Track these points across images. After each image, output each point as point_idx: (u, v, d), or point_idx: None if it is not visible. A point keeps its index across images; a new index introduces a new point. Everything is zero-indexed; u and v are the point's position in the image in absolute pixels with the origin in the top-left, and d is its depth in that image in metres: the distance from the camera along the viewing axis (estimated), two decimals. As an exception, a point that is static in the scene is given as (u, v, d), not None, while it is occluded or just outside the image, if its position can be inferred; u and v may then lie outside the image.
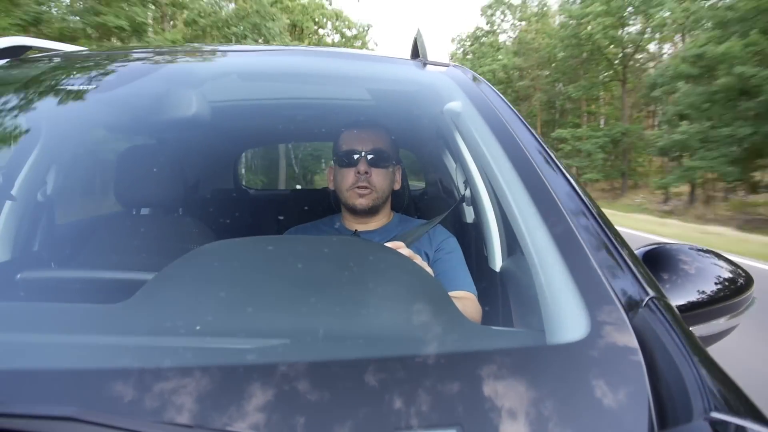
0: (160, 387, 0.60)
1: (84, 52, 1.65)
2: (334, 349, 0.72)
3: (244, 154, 4.36)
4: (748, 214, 20.63)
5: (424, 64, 1.46)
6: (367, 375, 0.64)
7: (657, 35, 32.31)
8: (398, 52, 1.71)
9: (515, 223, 0.92)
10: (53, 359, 0.70)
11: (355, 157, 1.62)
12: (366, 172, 1.61)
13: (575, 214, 0.88)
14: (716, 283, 1.09)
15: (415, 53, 1.53)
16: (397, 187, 1.73)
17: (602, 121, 39.18)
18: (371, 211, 1.66)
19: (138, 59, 1.54)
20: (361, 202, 1.62)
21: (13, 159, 1.66)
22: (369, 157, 1.62)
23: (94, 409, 0.57)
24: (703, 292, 1.06)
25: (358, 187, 1.61)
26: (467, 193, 1.81)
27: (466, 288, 1.50)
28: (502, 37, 52.20)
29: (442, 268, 1.55)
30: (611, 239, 0.86)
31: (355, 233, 1.68)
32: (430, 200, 2.83)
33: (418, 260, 1.29)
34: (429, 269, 1.34)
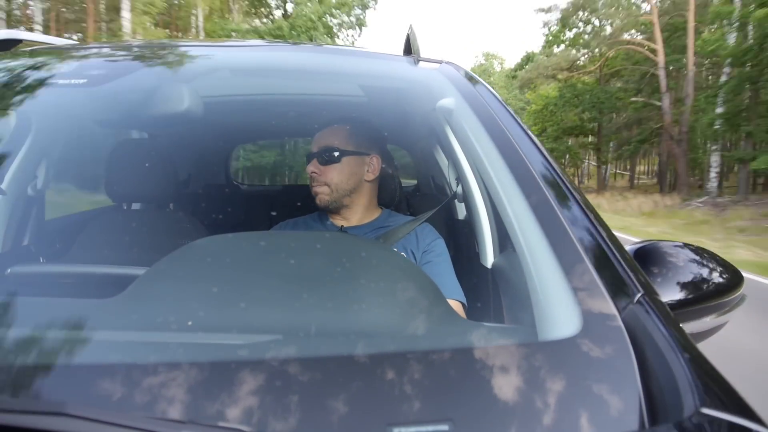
0: (153, 382, 0.60)
1: (76, 46, 1.64)
2: (326, 345, 0.72)
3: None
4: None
5: (417, 61, 1.46)
6: (359, 371, 0.64)
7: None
8: (391, 49, 1.71)
9: (507, 220, 0.93)
10: (44, 354, 0.69)
11: (309, 160, 1.67)
12: (314, 172, 1.64)
13: (567, 210, 0.89)
14: (707, 281, 1.09)
15: (408, 50, 1.53)
16: (370, 177, 1.71)
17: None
18: (333, 208, 1.67)
19: (130, 53, 1.53)
20: (319, 200, 1.65)
21: (3, 153, 1.64)
22: (318, 156, 1.65)
23: (85, 404, 0.57)
24: (694, 290, 1.06)
25: (313, 186, 1.65)
26: (459, 189, 1.81)
27: (454, 296, 1.49)
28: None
29: (430, 272, 1.53)
30: (603, 236, 0.86)
31: (341, 229, 1.68)
32: (421, 197, 2.83)
33: None
34: None
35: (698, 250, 1.17)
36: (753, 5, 18.15)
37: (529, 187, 0.93)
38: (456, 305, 1.46)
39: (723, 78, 21.92)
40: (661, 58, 26.20)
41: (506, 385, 0.62)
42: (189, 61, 1.52)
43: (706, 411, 0.57)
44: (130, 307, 0.79)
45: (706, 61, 23.35)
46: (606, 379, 0.63)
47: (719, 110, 21.42)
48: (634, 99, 31.52)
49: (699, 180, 23.90)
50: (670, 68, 27.23)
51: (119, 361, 0.65)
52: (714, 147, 23.07)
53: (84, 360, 0.67)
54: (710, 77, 22.80)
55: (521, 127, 1.13)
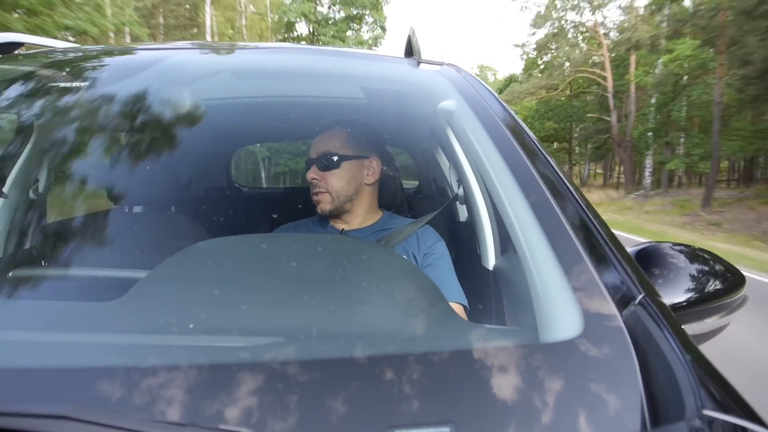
0: (154, 385, 0.60)
1: (77, 49, 1.64)
2: (328, 348, 0.72)
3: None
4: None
5: (418, 63, 1.46)
6: (360, 373, 0.64)
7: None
8: (392, 51, 1.72)
9: (508, 222, 0.92)
10: (46, 357, 0.69)
11: (308, 165, 1.66)
12: (315, 178, 1.63)
13: (568, 212, 0.89)
14: (708, 282, 1.09)
15: (409, 52, 1.52)
16: (370, 180, 1.71)
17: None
18: (335, 213, 1.67)
19: (131, 56, 1.53)
20: (321, 207, 1.64)
21: (4, 156, 1.65)
22: (318, 162, 1.64)
23: (87, 407, 0.57)
24: (696, 291, 1.06)
25: (314, 194, 1.65)
26: (460, 191, 1.80)
27: (456, 299, 1.48)
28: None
29: (432, 275, 1.52)
30: (604, 238, 0.86)
31: (342, 232, 1.68)
32: (423, 199, 2.83)
33: None
34: None
35: (700, 252, 1.17)
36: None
37: (530, 189, 0.93)
38: (457, 308, 1.46)
39: (653, 101, 30.05)
40: (610, 84, 34.79)
41: (508, 388, 0.62)
42: (191, 64, 1.52)
43: (707, 413, 0.57)
44: (131, 310, 0.79)
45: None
46: (608, 381, 0.63)
47: (650, 125, 30.01)
48: (590, 115, 39.98)
49: (654, 178, 32.71)
50: (619, 90, 35.60)
51: (121, 364, 0.65)
52: (647, 153, 30.99)
53: (86, 363, 0.67)
54: (655, 96, 29.94)
55: (523, 129, 1.12)
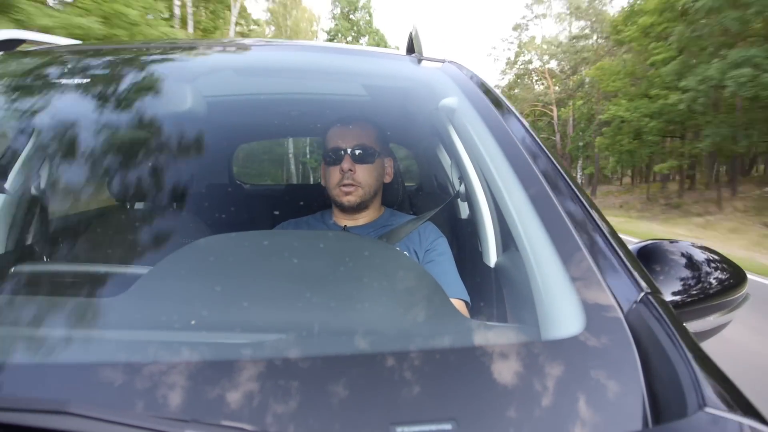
0: (156, 381, 0.60)
1: (79, 46, 1.64)
2: (329, 344, 0.72)
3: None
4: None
5: (420, 60, 1.45)
6: (362, 370, 0.64)
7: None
8: (394, 48, 1.72)
9: (510, 219, 0.92)
10: (47, 353, 0.70)
11: (340, 154, 1.61)
12: (350, 170, 1.60)
13: (570, 209, 0.88)
14: (710, 280, 1.09)
15: (411, 49, 1.52)
16: (387, 180, 1.71)
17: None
18: (359, 208, 1.65)
19: (133, 53, 1.53)
20: (349, 200, 1.61)
21: (6, 152, 1.65)
22: (353, 153, 1.61)
23: (89, 402, 0.57)
24: (698, 288, 1.06)
25: (344, 185, 1.61)
26: (462, 188, 1.80)
27: (457, 295, 1.48)
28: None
29: (433, 271, 1.52)
30: (606, 235, 0.86)
31: (345, 228, 1.67)
32: (424, 196, 2.82)
33: None
34: None
35: (702, 249, 1.17)
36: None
37: (532, 186, 0.93)
38: (459, 304, 1.46)
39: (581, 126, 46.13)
40: (555, 114, 50.11)
41: (509, 384, 0.62)
42: (192, 61, 1.52)
43: (709, 410, 0.56)
44: (133, 305, 0.79)
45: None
46: (609, 378, 0.62)
47: (580, 143, 45.60)
48: (542, 136, 51.89)
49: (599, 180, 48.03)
50: (564, 118, 50.85)
51: (123, 359, 0.65)
52: (579, 162, 46.77)
53: (88, 358, 0.67)
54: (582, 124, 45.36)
55: (524, 127, 1.12)
